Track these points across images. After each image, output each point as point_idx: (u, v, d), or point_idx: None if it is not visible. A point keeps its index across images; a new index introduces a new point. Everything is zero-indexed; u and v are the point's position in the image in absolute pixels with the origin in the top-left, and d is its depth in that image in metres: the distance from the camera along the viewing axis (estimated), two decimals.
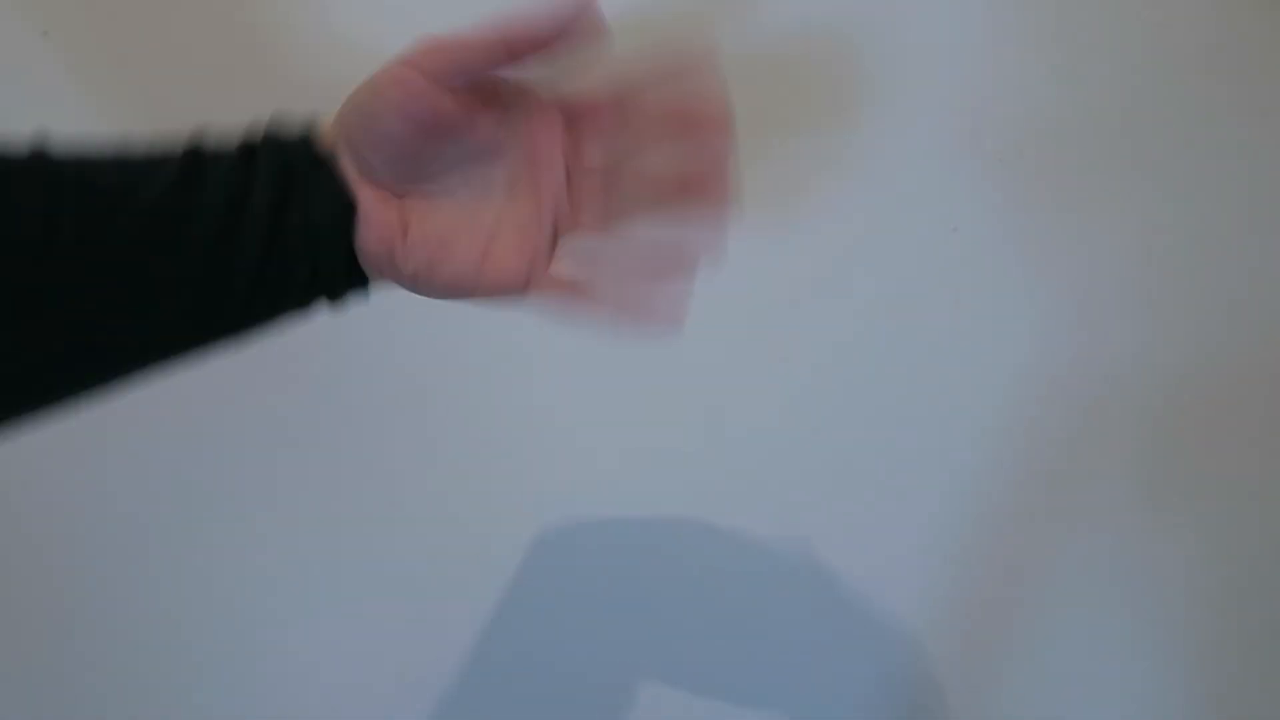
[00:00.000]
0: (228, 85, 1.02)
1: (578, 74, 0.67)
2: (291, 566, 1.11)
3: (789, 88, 1.07)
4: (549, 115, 0.68)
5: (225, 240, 0.62)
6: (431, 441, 1.10)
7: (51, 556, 1.09)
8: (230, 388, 1.05)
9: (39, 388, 0.62)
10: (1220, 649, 1.19)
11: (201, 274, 0.62)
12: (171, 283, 0.62)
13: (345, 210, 0.65)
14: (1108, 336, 1.13)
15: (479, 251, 0.66)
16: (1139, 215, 1.11)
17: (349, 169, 0.65)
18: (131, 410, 1.06)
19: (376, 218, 0.65)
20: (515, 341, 1.08)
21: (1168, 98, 1.09)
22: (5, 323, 0.58)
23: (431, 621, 1.13)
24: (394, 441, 1.10)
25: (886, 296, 1.11)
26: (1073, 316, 1.12)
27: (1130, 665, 1.18)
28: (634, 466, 1.12)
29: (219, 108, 1.04)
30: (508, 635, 1.14)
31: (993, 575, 1.16)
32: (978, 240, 1.10)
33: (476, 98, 0.65)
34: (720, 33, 1.05)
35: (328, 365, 1.07)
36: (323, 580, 1.11)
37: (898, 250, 1.10)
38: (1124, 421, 1.14)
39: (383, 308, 1.08)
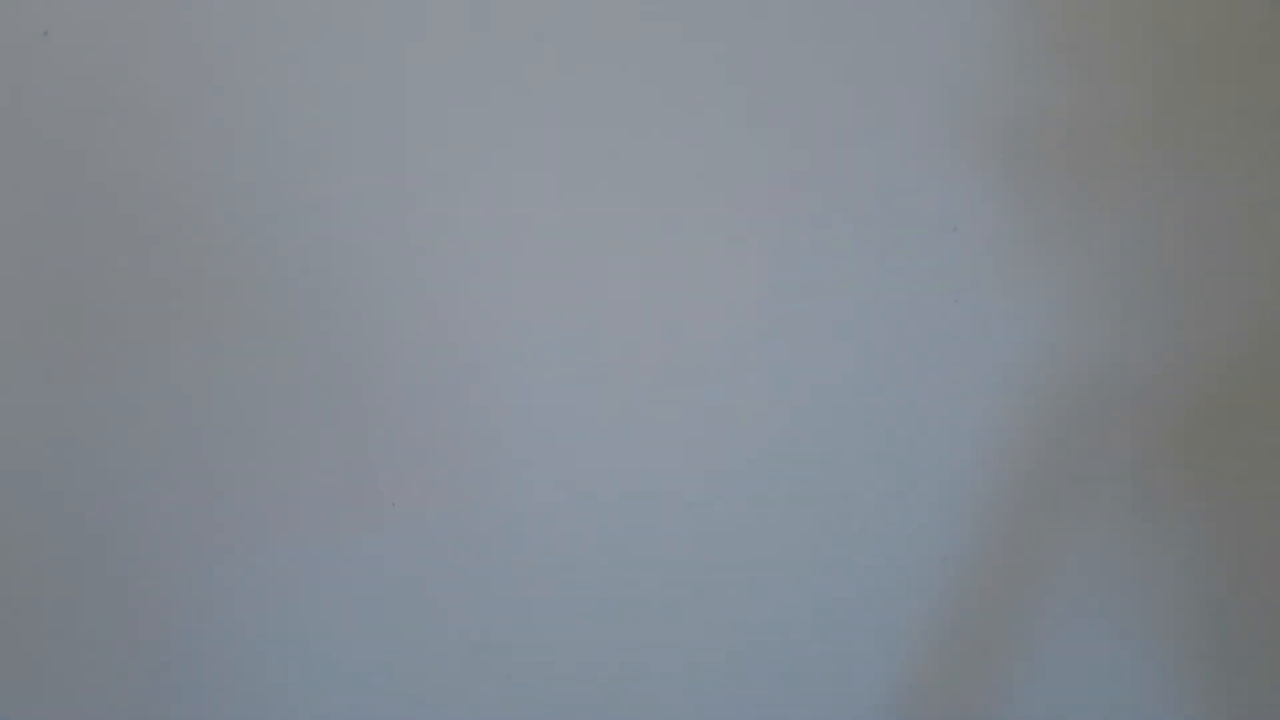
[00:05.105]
0: (227, 85, 1.02)
1: None
2: (290, 565, 1.11)
3: (788, 88, 1.07)
4: None
5: None
6: (430, 441, 1.10)
7: (48, 554, 1.09)
8: (230, 388, 1.05)
9: None
10: (1217, 649, 1.19)
11: None
12: None
13: None
14: (1107, 337, 1.13)
15: None
16: (1139, 215, 1.11)
17: None
18: (130, 409, 1.06)
19: None
20: (517, 343, 1.09)
21: (1169, 98, 1.09)
22: None
23: (432, 621, 1.13)
24: (393, 440, 1.10)
25: (887, 296, 1.11)
26: (1072, 316, 1.12)
27: (1128, 665, 1.18)
28: (634, 467, 1.12)
29: (216, 108, 1.04)
30: (507, 635, 1.14)
31: (992, 575, 1.16)
32: (978, 240, 1.10)
33: None
34: (719, 33, 1.05)
35: (326, 365, 1.07)
36: (322, 579, 1.11)
37: (898, 250, 1.10)
38: (1123, 422, 1.14)
39: (383, 307, 1.08)
